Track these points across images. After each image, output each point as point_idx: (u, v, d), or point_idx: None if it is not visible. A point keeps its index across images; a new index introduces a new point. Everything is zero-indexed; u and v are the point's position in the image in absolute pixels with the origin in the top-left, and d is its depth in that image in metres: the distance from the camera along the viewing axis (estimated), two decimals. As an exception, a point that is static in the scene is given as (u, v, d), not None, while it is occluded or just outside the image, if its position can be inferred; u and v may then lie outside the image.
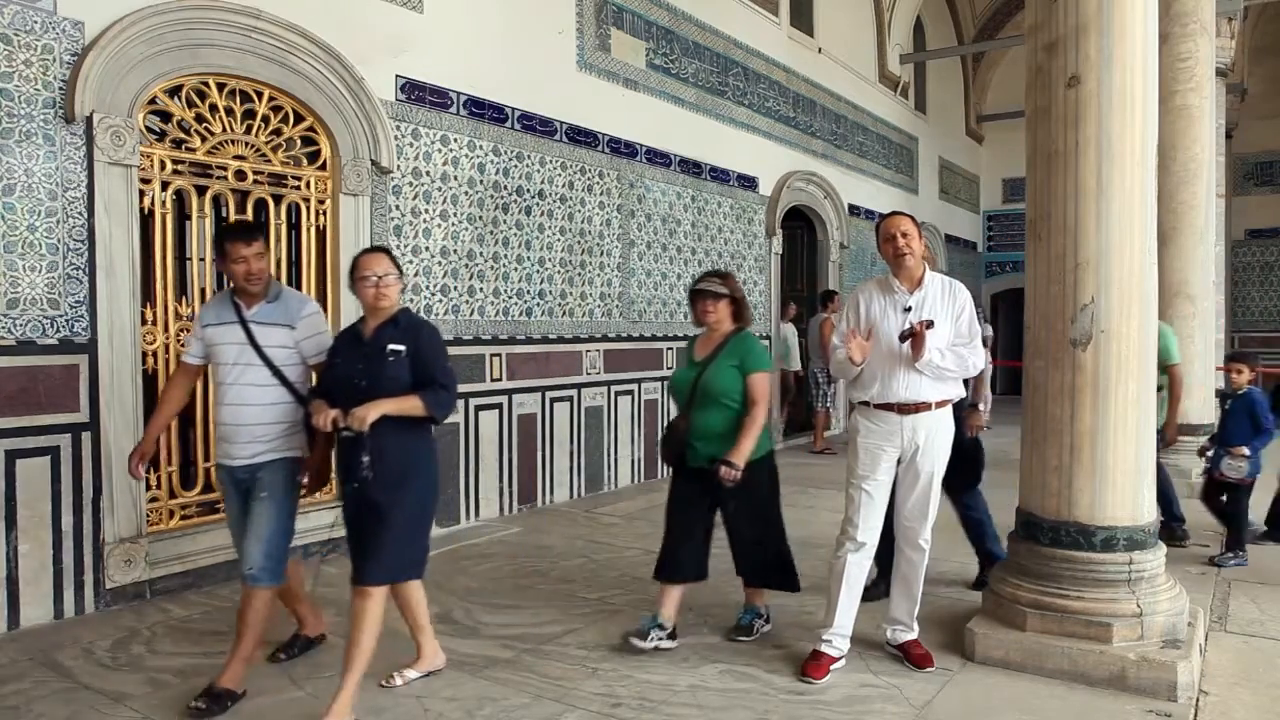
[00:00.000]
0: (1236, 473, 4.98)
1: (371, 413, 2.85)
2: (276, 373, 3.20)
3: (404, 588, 3.22)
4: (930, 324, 3.23)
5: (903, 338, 3.24)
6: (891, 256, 3.37)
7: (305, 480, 3.31)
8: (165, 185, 4.46)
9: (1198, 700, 3.13)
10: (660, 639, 3.58)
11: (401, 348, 3.00)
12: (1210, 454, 5.14)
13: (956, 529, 4.63)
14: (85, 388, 4.11)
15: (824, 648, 3.39)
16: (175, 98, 4.50)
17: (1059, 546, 3.40)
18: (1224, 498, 5.18)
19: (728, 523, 3.63)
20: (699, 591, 4.41)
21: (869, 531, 3.38)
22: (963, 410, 4.39)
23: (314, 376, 3.36)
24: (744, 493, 3.48)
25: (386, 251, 3.15)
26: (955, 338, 3.32)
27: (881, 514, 3.42)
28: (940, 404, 3.35)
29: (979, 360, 3.39)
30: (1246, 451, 4.91)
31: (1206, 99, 7.18)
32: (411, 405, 2.97)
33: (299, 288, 5.10)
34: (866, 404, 3.40)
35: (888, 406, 3.33)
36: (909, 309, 3.33)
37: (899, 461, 3.38)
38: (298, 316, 3.27)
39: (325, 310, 5.17)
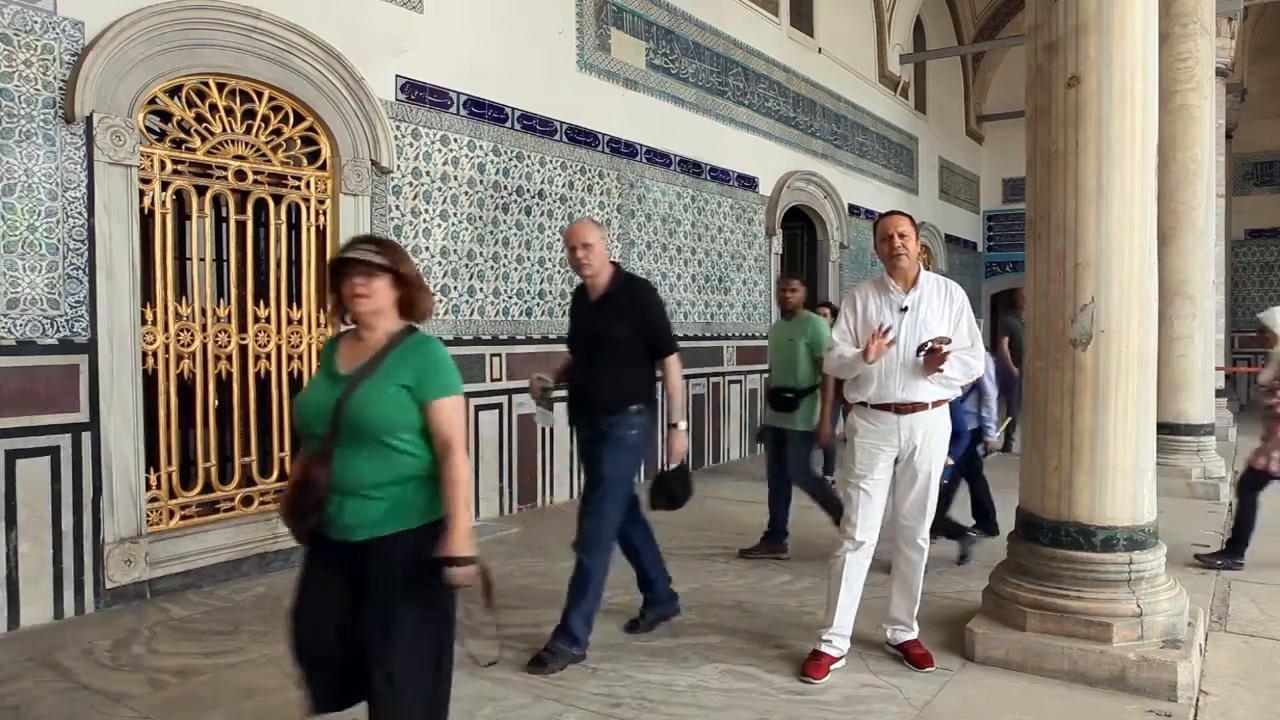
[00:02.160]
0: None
1: None
2: None
3: None
4: (948, 341, 3.24)
5: (919, 350, 3.25)
6: (887, 256, 3.37)
7: None
8: (165, 185, 4.46)
9: (1198, 700, 3.13)
10: None
11: None
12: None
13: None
14: (85, 388, 4.11)
15: (824, 648, 3.39)
16: (175, 98, 4.50)
17: (1059, 546, 3.40)
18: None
19: (359, 635, 2.21)
20: (699, 591, 4.41)
21: (867, 531, 3.38)
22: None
23: None
24: (413, 602, 2.18)
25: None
26: (956, 340, 3.32)
27: (880, 513, 3.42)
28: (937, 404, 3.36)
29: (980, 365, 3.40)
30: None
31: (1206, 99, 7.18)
32: None
33: (299, 288, 5.11)
34: (864, 404, 3.40)
35: (885, 406, 3.34)
36: (905, 309, 3.33)
37: (896, 461, 3.38)
38: None
39: (325, 311, 5.17)
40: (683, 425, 3.62)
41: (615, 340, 3.52)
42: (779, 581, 4.62)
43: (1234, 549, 4.93)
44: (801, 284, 5.30)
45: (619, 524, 3.60)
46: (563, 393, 3.81)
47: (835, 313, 6.59)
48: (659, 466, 3.47)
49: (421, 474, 2.21)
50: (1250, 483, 5.13)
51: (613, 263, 3.62)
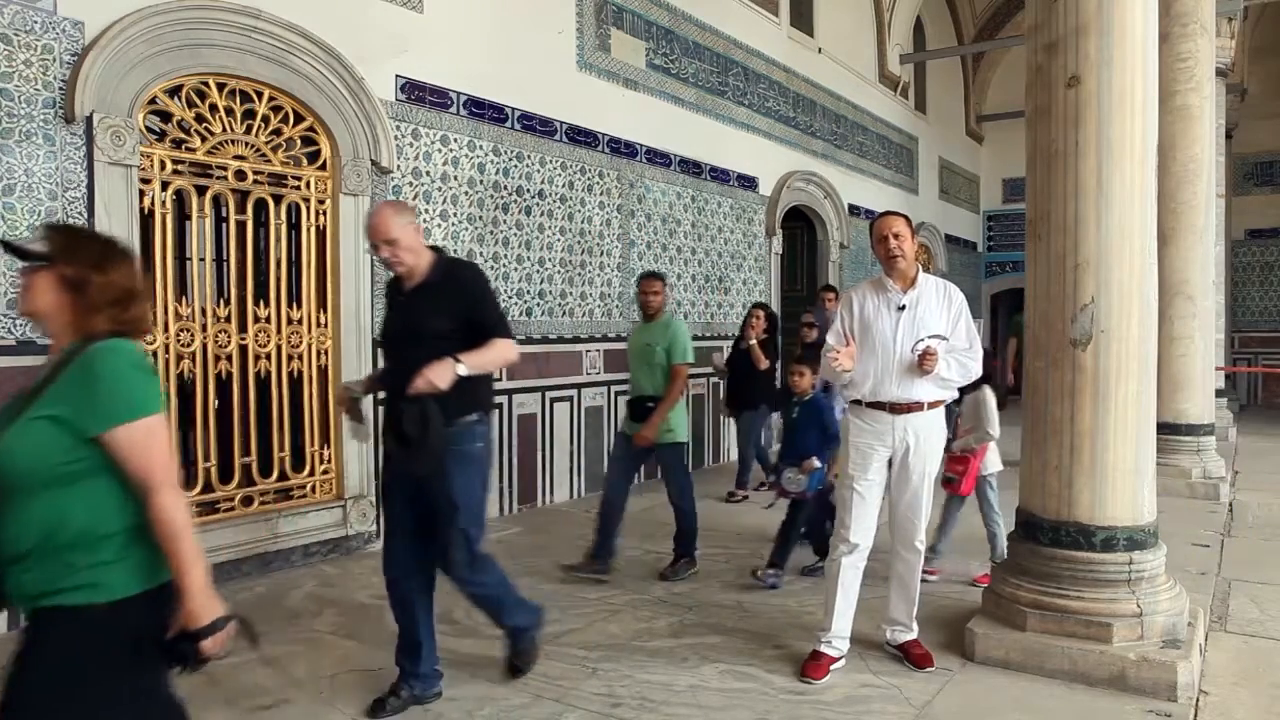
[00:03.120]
0: (796, 486, 4.43)
1: None
2: None
3: None
4: (943, 338, 3.27)
5: (913, 350, 3.26)
6: (884, 257, 3.37)
7: None
8: (165, 185, 4.46)
9: (1198, 700, 3.13)
10: None
11: None
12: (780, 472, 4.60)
13: (956, 528, 4.64)
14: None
15: (823, 648, 3.39)
16: (175, 98, 4.50)
17: (1059, 546, 3.40)
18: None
19: None
20: (699, 591, 4.41)
21: (862, 532, 3.37)
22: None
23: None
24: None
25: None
26: (954, 342, 3.33)
27: (874, 514, 3.41)
28: (933, 404, 3.36)
29: (979, 367, 3.40)
30: (817, 463, 4.38)
31: (1206, 99, 7.18)
32: None
33: (298, 288, 5.11)
34: (859, 403, 3.40)
35: (879, 405, 3.34)
36: (903, 308, 3.33)
37: (890, 462, 3.38)
38: None
39: (325, 311, 5.18)
40: (462, 368, 2.85)
41: (437, 335, 2.91)
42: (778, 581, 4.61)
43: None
44: (664, 285, 4.87)
45: (483, 537, 3.11)
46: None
47: (839, 296, 6.80)
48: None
49: (114, 530, 1.70)
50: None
51: (433, 248, 3.09)
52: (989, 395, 4.57)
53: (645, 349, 4.69)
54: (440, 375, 2.79)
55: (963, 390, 4.69)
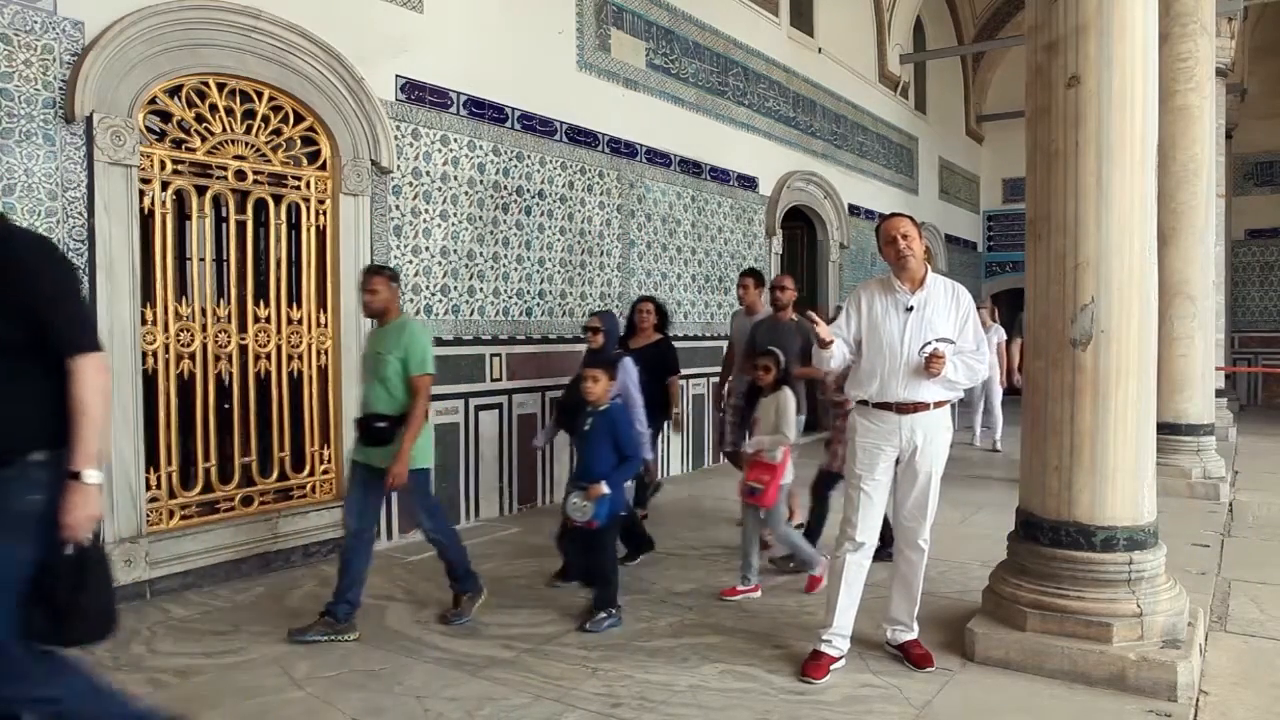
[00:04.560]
0: (581, 514, 3.84)
1: None
2: None
3: None
4: (951, 341, 3.27)
5: (920, 351, 3.25)
6: (894, 258, 3.36)
7: None
8: (165, 185, 4.46)
9: (1198, 700, 3.13)
10: None
11: None
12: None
13: (957, 529, 4.64)
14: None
15: (824, 648, 3.39)
16: (175, 98, 4.50)
17: (1059, 546, 3.40)
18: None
19: None
20: (699, 591, 4.41)
21: (868, 531, 3.38)
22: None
23: None
24: None
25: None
26: (961, 344, 3.32)
27: (880, 514, 3.42)
28: (938, 404, 3.36)
29: (985, 370, 3.40)
30: (605, 489, 3.82)
31: (1206, 99, 7.17)
32: None
33: (299, 288, 5.11)
34: (865, 403, 3.40)
35: (886, 406, 3.33)
36: (911, 309, 3.33)
37: (897, 462, 3.38)
38: None
39: (325, 311, 5.18)
40: (92, 476, 2.08)
41: None
42: (779, 581, 4.62)
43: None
44: (386, 281, 3.95)
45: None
46: None
47: (759, 282, 5.83)
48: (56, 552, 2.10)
49: None
50: (824, 484, 4.98)
51: None
52: (789, 398, 4.38)
53: (376, 358, 3.90)
54: (72, 523, 2.06)
55: (757, 391, 4.54)
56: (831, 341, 3.31)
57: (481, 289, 6.09)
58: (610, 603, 3.93)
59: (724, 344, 8.67)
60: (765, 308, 5.69)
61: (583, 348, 6.89)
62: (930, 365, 3.20)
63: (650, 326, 5.84)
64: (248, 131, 4.81)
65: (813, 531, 4.89)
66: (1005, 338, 9.79)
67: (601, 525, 3.86)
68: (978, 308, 9.01)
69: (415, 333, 3.90)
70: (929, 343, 3.24)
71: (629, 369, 4.91)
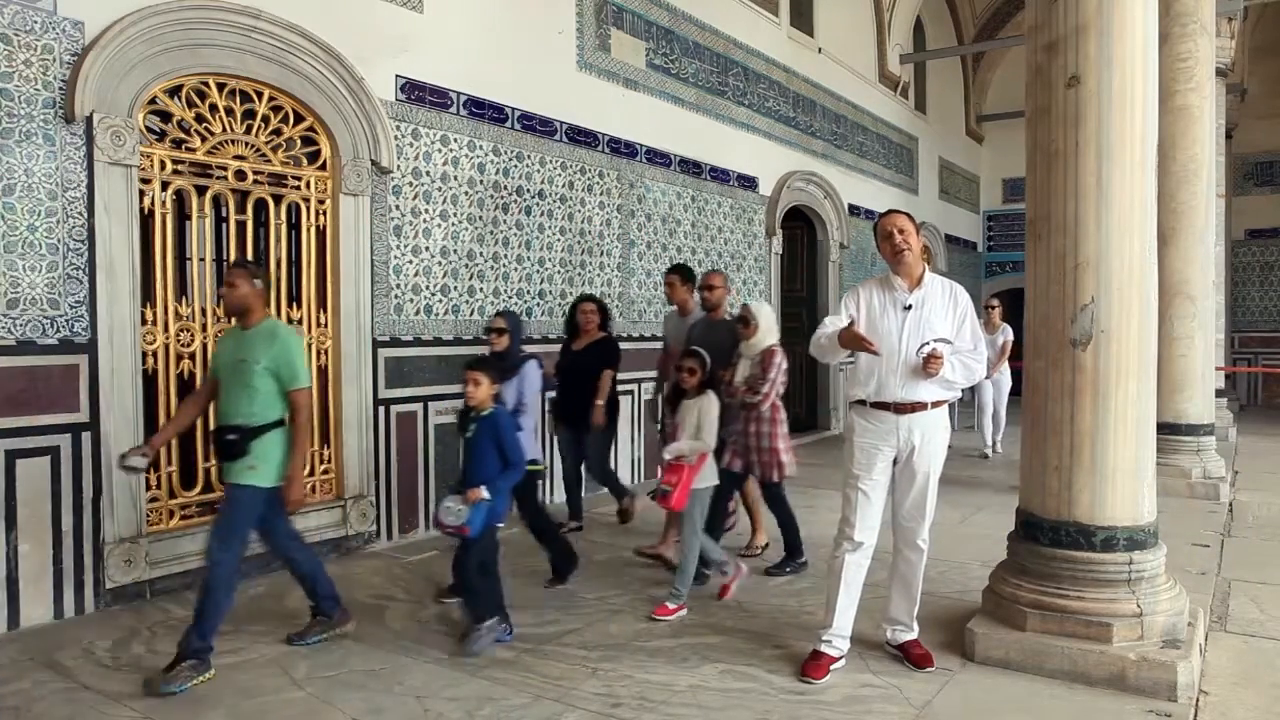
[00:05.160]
0: (455, 518, 3.58)
1: None
2: None
3: None
4: (948, 341, 3.26)
5: (918, 353, 3.25)
6: (890, 255, 3.36)
7: None
8: (165, 185, 4.46)
9: (1198, 700, 3.13)
10: None
11: None
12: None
13: (957, 528, 4.64)
14: (85, 388, 4.11)
15: (823, 648, 3.39)
16: (175, 98, 4.50)
17: (1059, 546, 3.40)
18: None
19: None
20: (698, 592, 4.41)
21: (866, 531, 3.37)
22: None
23: None
24: None
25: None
26: (959, 344, 3.32)
27: (879, 514, 3.41)
28: (936, 404, 3.35)
29: (982, 369, 3.39)
30: (484, 493, 3.58)
31: (1206, 99, 7.18)
32: None
33: (299, 288, 5.11)
34: (863, 403, 3.39)
35: (884, 405, 3.33)
36: (909, 307, 3.32)
37: (895, 462, 3.38)
38: None
39: (325, 310, 5.17)
40: None
41: None
42: (779, 581, 4.62)
43: (794, 553, 4.80)
44: (247, 277, 3.52)
45: None
46: None
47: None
48: None
49: None
50: (776, 497, 4.79)
51: None
52: (713, 402, 4.23)
53: (239, 366, 3.49)
54: None
55: (681, 393, 4.33)
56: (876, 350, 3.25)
57: (481, 289, 6.09)
58: (487, 615, 3.65)
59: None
60: (697, 308, 5.35)
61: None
62: (928, 366, 3.20)
63: (594, 326, 5.64)
64: (248, 131, 4.81)
65: (792, 541, 4.81)
66: (1013, 337, 9.19)
67: (475, 535, 3.58)
68: (987, 306, 8.86)
69: (289, 344, 3.53)
70: (926, 343, 3.24)
71: (530, 375, 4.59)
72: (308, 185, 5.10)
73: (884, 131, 12.33)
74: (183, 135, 4.56)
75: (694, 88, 8.24)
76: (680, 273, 5.53)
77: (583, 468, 5.88)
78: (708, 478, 4.22)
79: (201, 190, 4.65)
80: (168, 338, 4.50)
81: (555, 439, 6.07)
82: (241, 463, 3.46)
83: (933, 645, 3.52)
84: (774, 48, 9.52)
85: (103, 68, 4.08)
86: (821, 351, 3.41)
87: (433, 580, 4.54)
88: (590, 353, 5.58)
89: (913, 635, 3.51)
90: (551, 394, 5.74)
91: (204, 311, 4.69)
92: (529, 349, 4.90)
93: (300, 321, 5.08)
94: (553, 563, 4.63)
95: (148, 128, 4.47)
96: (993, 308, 9.17)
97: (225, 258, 5.08)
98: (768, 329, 4.59)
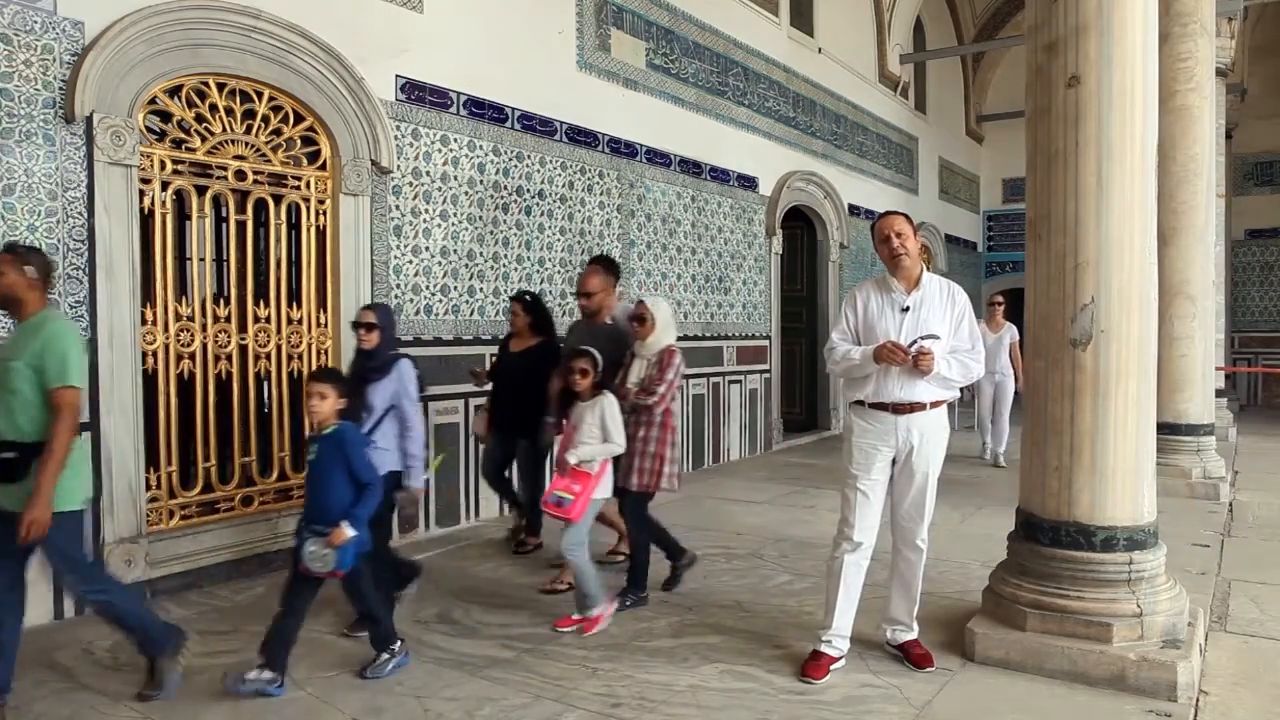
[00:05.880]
0: (323, 564, 3.18)
1: None
2: None
3: None
4: (936, 337, 3.25)
5: (908, 349, 3.24)
6: (888, 257, 3.36)
7: None
8: (165, 185, 4.46)
9: (1198, 700, 3.13)
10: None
11: None
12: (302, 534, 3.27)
13: (957, 528, 4.64)
14: (85, 388, 4.09)
15: (823, 648, 3.39)
16: (175, 98, 4.50)
17: (1059, 546, 3.40)
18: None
19: None
20: (699, 591, 4.42)
21: (865, 531, 3.37)
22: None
23: None
24: None
25: None
26: (956, 343, 3.32)
27: (878, 514, 3.41)
28: (935, 404, 3.35)
29: (980, 368, 3.39)
30: (349, 532, 3.16)
31: (1206, 99, 7.17)
32: None
33: (298, 288, 5.11)
34: (862, 403, 3.39)
35: (882, 406, 3.33)
36: (907, 309, 3.32)
37: (894, 462, 3.38)
38: None
39: (325, 310, 5.17)
40: None
41: None
42: (779, 581, 4.62)
43: (638, 582, 4.21)
44: (15, 263, 3.03)
45: None
46: None
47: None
48: None
49: None
50: (639, 509, 4.24)
51: None
52: (614, 402, 3.97)
53: (4, 368, 3.00)
54: None
55: (572, 395, 4.02)
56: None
57: (482, 289, 6.09)
58: (389, 641, 3.39)
59: (723, 344, 8.71)
60: (618, 305, 4.84)
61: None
62: (919, 362, 3.19)
63: (524, 327, 5.11)
64: (248, 131, 4.81)
65: (640, 566, 4.24)
66: (1018, 337, 8.26)
67: (349, 569, 3.22)
68: (990, 304, 8.66)
69: (56, 333, 2.99)
70: (915, 340, 3.24)
71: (407, 374, 3.90)
72: (308, 185, 5.10)
73: (884, 131, 12.33)
74: (183, 135, 4.56)
75: (694, 88, 8.24)
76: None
77: (506, 473, 5.37)
78: (606, 488, 3.96)
79: (201, 190, 4.65)
80: (168, 338, 4.50)
81: (480, 443, 5.53)
82: (22, 487, 2.91)
83: (933, 645, 3.52)
84: (774, 48, 9.52)
85: (103, 68, 4.08)
86: (849, 371, 3.39)
87: (437, 579, 4.53)
88: (526, 357, 5.05)
89: (913, 635, 3.51)
90: (481, 398, 5.41)
91: (204, 311, 4.69)
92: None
93: (300, 321, 5.08)
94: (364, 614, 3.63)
95: (148, 128, 4.47)
96: (996, 305, 8.69)
97: (225, 258, 5.08)
98: (665, 327, 4.23)
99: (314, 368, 5.09)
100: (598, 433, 3.92)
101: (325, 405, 3.28)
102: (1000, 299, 8.87)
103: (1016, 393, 7.89)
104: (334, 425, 3.32)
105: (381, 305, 4.19)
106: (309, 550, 3.20)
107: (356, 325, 3.97)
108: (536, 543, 5.27)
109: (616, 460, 4.09)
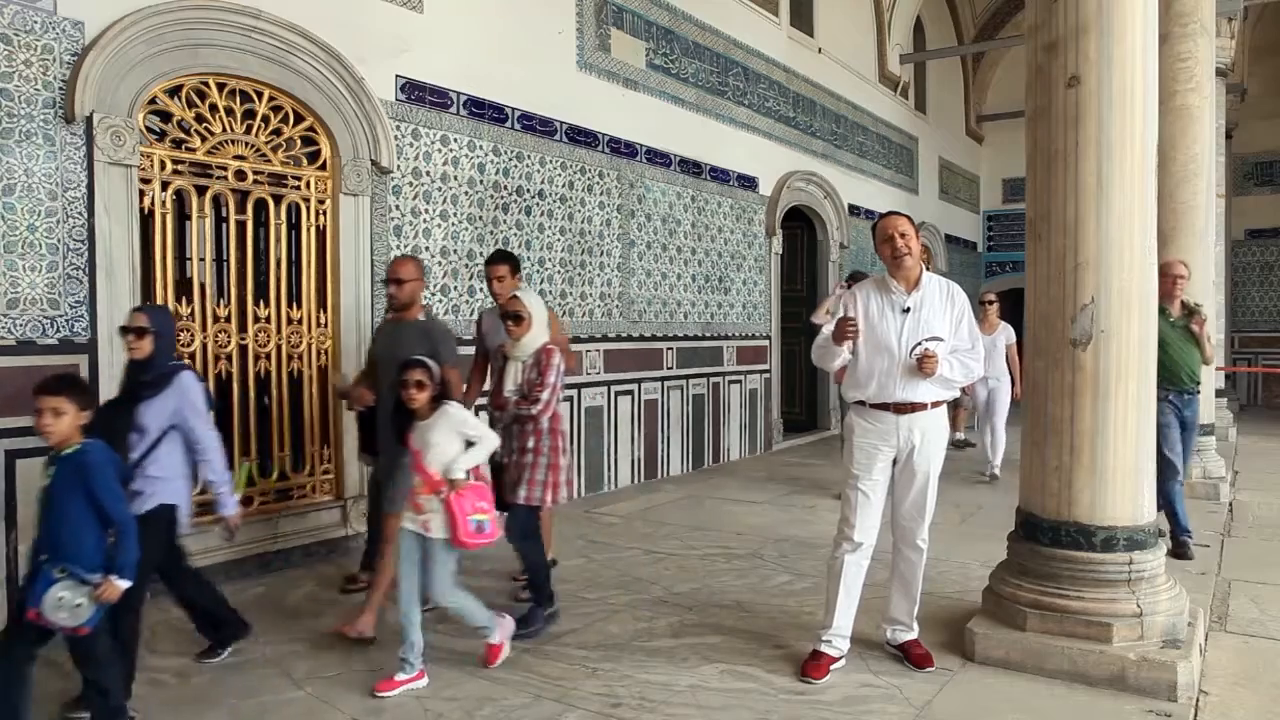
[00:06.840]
0: (71, 617, 2.61)
1: None
2: None
3: None
4: (939, 339, 3.26)
5: (911, 353, 3.25)
6: (889, 258, 3.36)
7: None
8: (165, 185, 4.46)
9: (1198, 700, 3.13)
10: None
11: None
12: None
13: (957, 528, 4.64)
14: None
15: (823, 648, 3.39)
16: (175, 98, 4.50)
17: (1059, 546, 3.40)
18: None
19: None
20: (699, 591, 4.42)
21: (866, 531, 3.38)
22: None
23: None
24: None
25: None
26: (956, 343, 3.33)
27: (879, 514, 3.41)
28: (936, 404, 3.36)
29: (980, 367, 3.40)
30: (121, 585, 2.68)
31: (1206, 99, 7.17)
32: None
33: (298, 288, 5.10)
34: (862, 403, 3.40)
35: (883, 406, 3.33)
36: (907, 310, 3.32)
37: (895, 462, 3.38)
38: None
39: (325, 310, 5.17)
40: None
41: None
42: (779, 581, 4.62)
43: (545, 596, 3.91)
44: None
45: None
46: None
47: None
48: None
49: None
50: (529, 524, 3.86)
51: None
52: (458, 408, 3.41)
53: None
54: None
55: (408, 414, 3.36)
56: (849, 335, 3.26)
57: (481, 289, 6.09)
58: (119, 715, 2.81)
59: (723, 344, 8.71)
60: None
61: (580, 348, 6.91)
62: (923, 366, 3.20)
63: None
64: (248, 131, 4.81)
65: (543, 586, 3.91)
66: (1015, 339, 7.57)
67: (94, 629, 2.67)
68: (983, 303, 8.50)
69: None
70: (919, 343, 3.24)
71: (190, 386, 3.32)
72: (308, 185, 5.10)
73: (884, 131, 12.33)
74: (183, 135, 4.56)
75: (694, 88, 8.24)
76: (508, 261, 4.54)
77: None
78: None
79: (201, 190, 4.65)
80: (168, 338, 4.49)
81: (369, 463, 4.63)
82: None
83: (933, 645, 3.52)
84: (774, 48, 9.52)
85: (103, 68, 4.08)
86: (821, 356, 3.43)
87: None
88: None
89: (913, 635, 3.51)
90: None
91: (204, 311, 4.69)
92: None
93: (300, 321, 5.08)
94: (216, 631, 3.55)
95: (148, 128, 4.47)
96: (989, 303, 7.88)
97: (225, 258, 5.08)
98: (542, 324, 3.81)
99: (313, 368, 5.10)
100: (457, 443, 3.30)
101: (62, 423, 2.72)
102: (993, 297, 7.99)
103: (1014, 400, 7.16)
104: (76, 445, 2.75)
105: (156, 307, 3.74)
106: (57, 596, 2.59)
107: (125, 330, 3.27)
108: (366, 581, 4.25)
109: (496, 473, 3.73)
